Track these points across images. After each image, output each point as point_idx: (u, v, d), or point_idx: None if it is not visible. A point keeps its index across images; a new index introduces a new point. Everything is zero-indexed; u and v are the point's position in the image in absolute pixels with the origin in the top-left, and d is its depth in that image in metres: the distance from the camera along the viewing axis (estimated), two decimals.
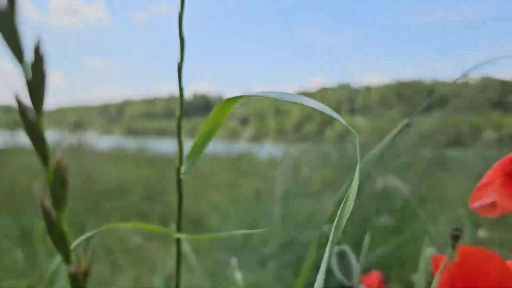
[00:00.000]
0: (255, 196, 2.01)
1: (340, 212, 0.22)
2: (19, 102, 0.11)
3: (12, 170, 2.54)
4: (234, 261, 0.68)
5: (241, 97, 0.28)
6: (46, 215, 0.11)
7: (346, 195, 0.23)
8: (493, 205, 0.28)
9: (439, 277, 0.26)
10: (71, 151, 3.83)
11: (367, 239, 0.44)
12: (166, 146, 5.21)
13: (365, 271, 0.51)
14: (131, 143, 5.17)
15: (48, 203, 0.11)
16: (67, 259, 0.11)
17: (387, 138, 0.32)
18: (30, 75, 0.11)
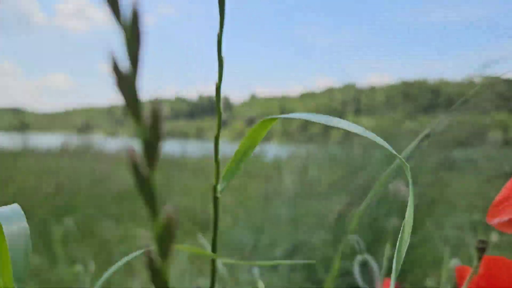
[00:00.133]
0: (263, 198, 2.01)
1: (398, 245, 0.22)
2: (132, 158, 0.11)
3: (22, 172, 2.57)
4: (256, 271, 0.68)
5: (276, 118, 0.28)
6: (151, 263, 0.11)
7: (402, 227, 0.23)
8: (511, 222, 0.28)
9: None
10: (80, 153, 3.86)
11: (387, 247, 0.44)
12: (172, 147, 5.23)
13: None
14: (138, 145, 5.19)
15: (154, 253, 0.11)
16: None
17: (409, 148, 0.32)
18: (147, 135, 0.11)
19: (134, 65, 0.12)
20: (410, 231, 0.22)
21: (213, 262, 0.29)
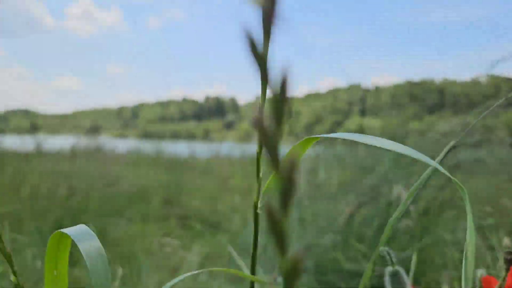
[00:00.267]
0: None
1: (465, 265, 0.23)
2: (269, 210, 0.12)
3: (35, 175, 2.60)
4: (280, 279, 0.70)
5: (318, 138, 0.28)
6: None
7: (465, 252, 0.23)
8: None
9: None
10: (90, 155, 3.91)
11: (414, 259, 0.45)
12: (180, 148, 5.26)
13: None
14: (146, 146, 5.23)
15: None
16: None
17: (437, 160, 0.32)
18: (284, 184, 0.12)
19: (278, 124, 0.13)
20: (474, 251, 0.23)
21: (252, 284, 0.29)
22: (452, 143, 0.36)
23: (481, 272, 0.40)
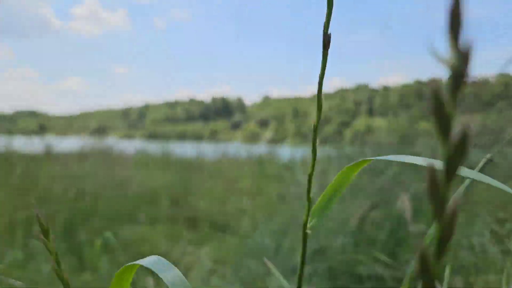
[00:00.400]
0: (281, 201, 2.01)
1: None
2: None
3: (44, 177, 2.62)
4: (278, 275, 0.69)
5: (370, 160, 0.28)
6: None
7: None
8: None
9: None
10: (98, 156, 3.92)
11: (447, 271, 0.45)
12: (187, 149, 5.27)
13: None
14: (153, 147, 5.25)
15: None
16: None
17: (475, 171, 0.31)
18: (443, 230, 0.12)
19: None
20: None
21: None
22: (488, 155, 0.35)
23: None
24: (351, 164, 0.29)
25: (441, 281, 0.43)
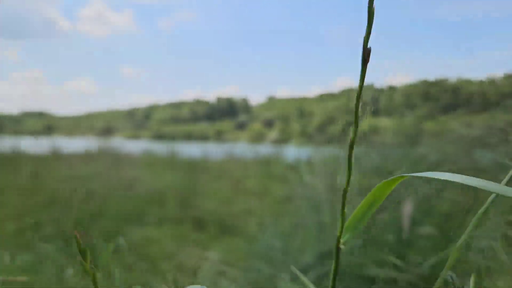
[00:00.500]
0: (287, 202, 2.00)
1: None
2: None
3: (51, 178, 2.63)
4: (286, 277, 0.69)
5: (405, 176, 0.28)
6: None
7: None
8: None
9: None
10: (104, 157, 3.95)
11: (472, 281, 0.45)
12: (193, 150, 5.29)
13: None
14: (159, 148, 5.26)
15: None
16: None
17: (503, 183, 0.31)
18: None
19: None
20: None
21: None
22: None
23: None
24: (382, 183, 0.29)
25: (408, 269, 0.43)
